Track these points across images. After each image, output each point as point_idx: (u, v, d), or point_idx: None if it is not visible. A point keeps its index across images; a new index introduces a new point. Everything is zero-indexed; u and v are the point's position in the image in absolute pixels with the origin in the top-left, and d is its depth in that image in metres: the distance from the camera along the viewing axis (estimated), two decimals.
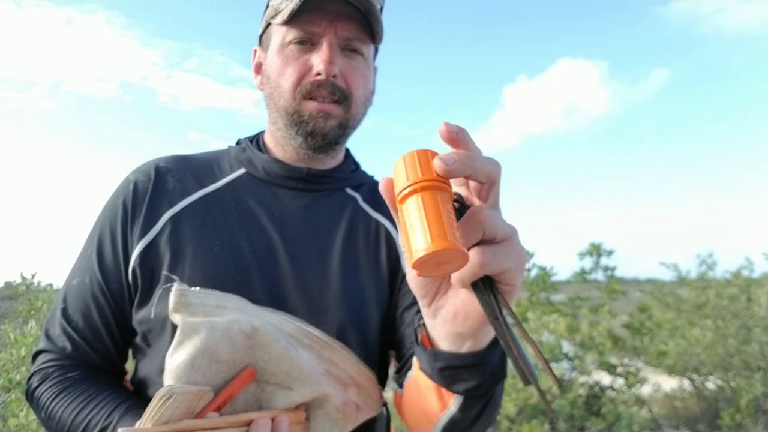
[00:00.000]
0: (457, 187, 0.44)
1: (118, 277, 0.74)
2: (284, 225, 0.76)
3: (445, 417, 0.58)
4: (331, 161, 0.84)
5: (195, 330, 0.60)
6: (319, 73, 0.73)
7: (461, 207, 0.41)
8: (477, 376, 0.52)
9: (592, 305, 4.39)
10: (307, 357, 0.67)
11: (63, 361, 0.73)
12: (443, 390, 0.56)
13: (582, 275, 4.61)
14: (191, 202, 0.77)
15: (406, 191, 0.37)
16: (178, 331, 0.61)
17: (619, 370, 4.24)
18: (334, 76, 0.74)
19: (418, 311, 0.66)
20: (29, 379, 0.73)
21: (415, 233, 0.35)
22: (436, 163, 0.37)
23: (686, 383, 4.88)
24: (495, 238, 0.40)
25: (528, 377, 0.39)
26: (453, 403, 0.56)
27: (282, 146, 0.82)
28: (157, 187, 0.77)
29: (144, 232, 0.74)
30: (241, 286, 0.71)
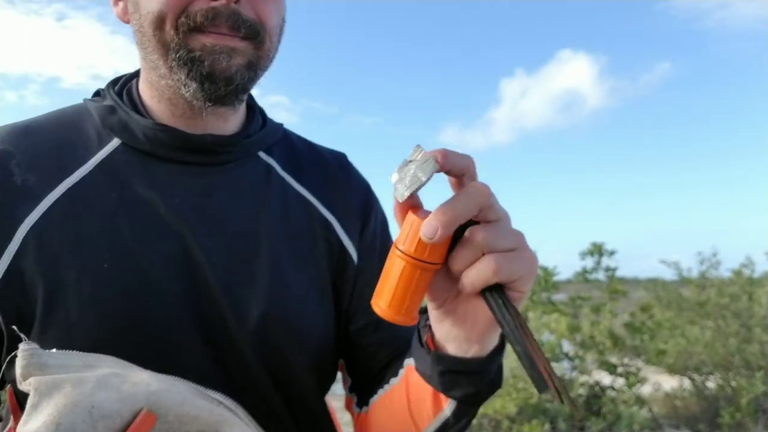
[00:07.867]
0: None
1: None
2: (189, 215, 0.57)
3: (437, 422, 0.54)
4: (235, 117, 0.64)
5: (56, 386, 0.42)
6: None
7: (464, 225, 0.43)
8: (476, 383, 0.50)
9: (593, 305, 4.40)
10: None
11: None
12: (440, 394, 0.53)
13: (583, 275, 4.63)
14: (54, 201, 0.54)
15: (399, 252, 0.43)
16: (32, 393, 0.42)
17: (620, 369, 4.24)
18: (236, 2, 0.54)
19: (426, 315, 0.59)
20: None
21: (384, 288, 0.44)
22: (423, 238, 0.40)
23: (686, 383, 4.88)
24: (501, 249, 0.41)
25: (549, 382, 0.40)
26: (447, 407, 0.53)
27: (168, 100, 0.60)
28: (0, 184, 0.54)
29: None
30: (153, 310, 0.54)
